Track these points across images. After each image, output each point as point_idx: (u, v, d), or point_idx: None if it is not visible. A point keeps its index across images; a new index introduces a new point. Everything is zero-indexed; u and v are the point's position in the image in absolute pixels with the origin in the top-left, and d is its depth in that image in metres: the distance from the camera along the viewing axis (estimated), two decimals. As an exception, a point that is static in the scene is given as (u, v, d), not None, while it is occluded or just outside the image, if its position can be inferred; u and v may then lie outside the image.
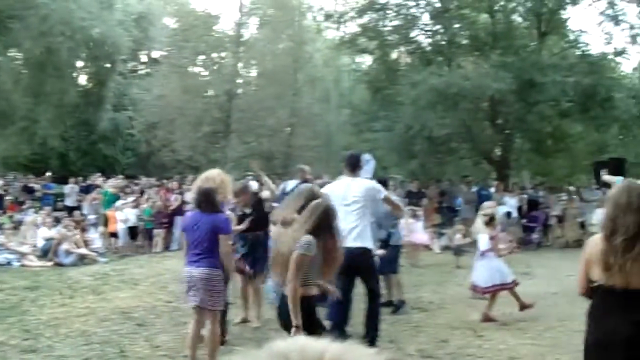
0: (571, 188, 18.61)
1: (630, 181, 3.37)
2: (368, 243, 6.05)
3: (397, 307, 7.77)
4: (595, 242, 3.34)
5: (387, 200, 6.35)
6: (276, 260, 4.43)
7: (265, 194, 7.90)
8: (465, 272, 9.92)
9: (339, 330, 5.68)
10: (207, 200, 5.40)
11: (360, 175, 6.41)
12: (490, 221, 7.52)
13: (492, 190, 17.20)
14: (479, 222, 7.67)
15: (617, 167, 14.31)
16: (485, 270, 7.38)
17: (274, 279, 4.67)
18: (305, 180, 7.89)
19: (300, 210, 4.71)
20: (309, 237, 4.25)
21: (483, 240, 7.45)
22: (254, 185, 8.09)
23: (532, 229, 16.06)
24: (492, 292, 7.33)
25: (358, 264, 5.82)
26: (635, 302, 3.13)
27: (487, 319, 7.24)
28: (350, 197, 5.99)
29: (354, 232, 5.85)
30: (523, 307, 7.39)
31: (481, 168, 22.31)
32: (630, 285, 3.10)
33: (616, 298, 3.16)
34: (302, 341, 0.85)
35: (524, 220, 16.37)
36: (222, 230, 5.29)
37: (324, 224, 4.36)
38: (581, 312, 5.51)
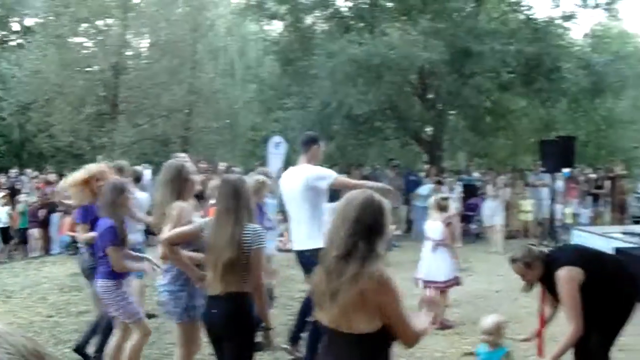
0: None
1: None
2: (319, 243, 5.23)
3: None
4: None
5: (340, 184, 5.44)
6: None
7: None
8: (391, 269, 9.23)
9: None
10: None
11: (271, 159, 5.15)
12: (443, 207, 7.31)
13: (423, 175, 16.71)
14: (432, 207, 7.48)
15: (566, 146, 14.07)
16: (442, 262, 7.14)
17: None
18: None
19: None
20: (255, 226, 3.82)
21: (437, 228, 7.14)
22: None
23: (470, 219, 15.08)
24: (451, 286, 7.18)
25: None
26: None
27: (444, 325, 6.81)
28: (295, 189, 5.55)
29: (304, 231, 5.49)
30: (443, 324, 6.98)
31: (409, 150, 22.34)
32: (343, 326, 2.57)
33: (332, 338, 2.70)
34: None
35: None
36: None
37: (241, 202, 3.80)
38: (525, 312, 6.22)
